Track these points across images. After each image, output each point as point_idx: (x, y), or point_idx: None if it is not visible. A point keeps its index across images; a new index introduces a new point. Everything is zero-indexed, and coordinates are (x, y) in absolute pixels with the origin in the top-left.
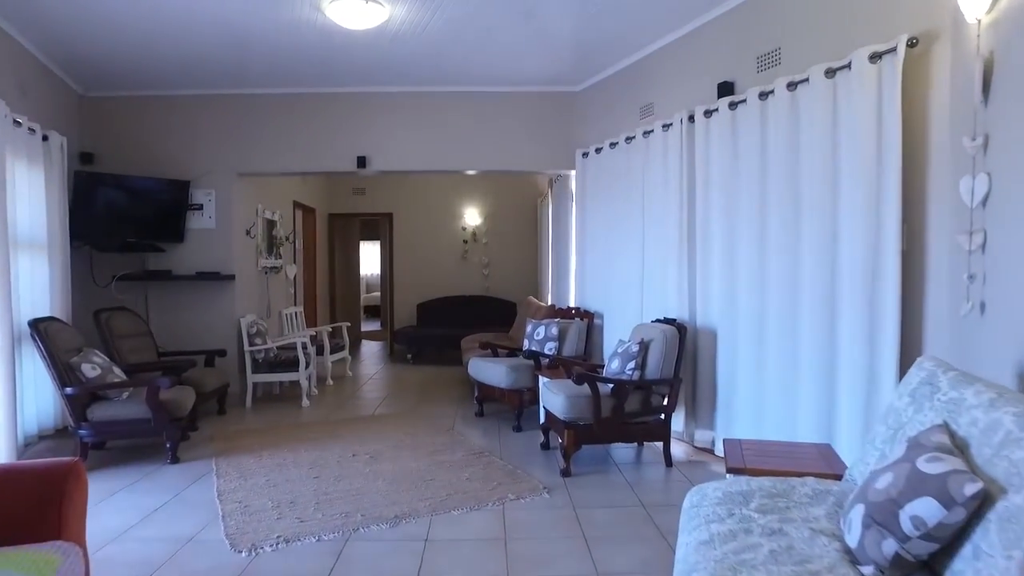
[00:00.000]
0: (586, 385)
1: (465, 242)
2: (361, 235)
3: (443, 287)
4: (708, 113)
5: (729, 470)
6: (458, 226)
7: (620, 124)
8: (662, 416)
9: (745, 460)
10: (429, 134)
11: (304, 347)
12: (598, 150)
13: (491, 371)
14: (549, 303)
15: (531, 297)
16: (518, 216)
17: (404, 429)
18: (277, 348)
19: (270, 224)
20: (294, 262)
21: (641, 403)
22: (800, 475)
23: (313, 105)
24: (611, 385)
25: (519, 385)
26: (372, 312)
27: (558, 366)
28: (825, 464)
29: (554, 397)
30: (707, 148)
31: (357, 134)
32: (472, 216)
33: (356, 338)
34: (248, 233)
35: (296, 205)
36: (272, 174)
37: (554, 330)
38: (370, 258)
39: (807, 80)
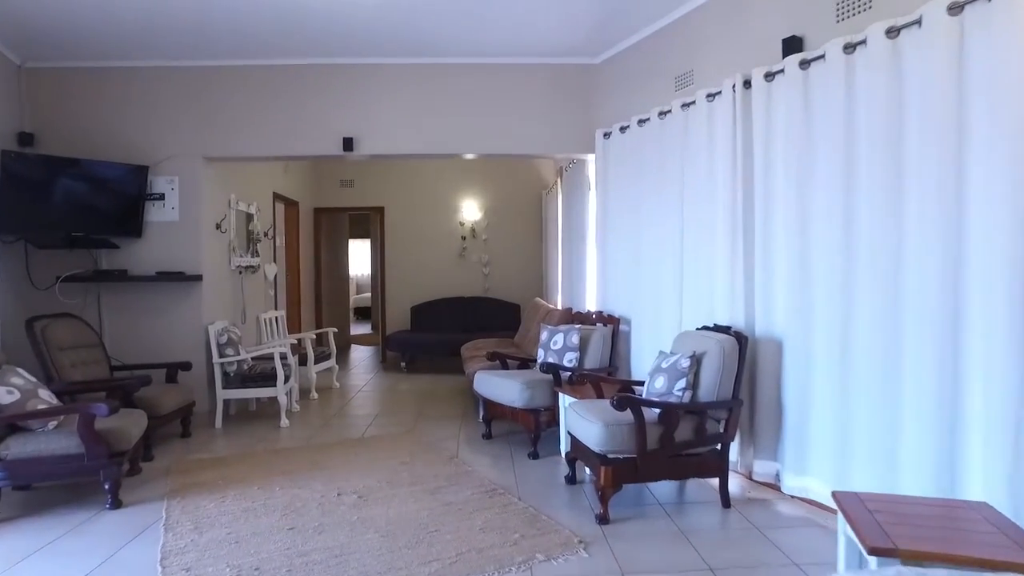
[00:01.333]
0: (628, 410)
1: (463, 238)
2: (350, 232)
3: (439, 288)
4: (770, 76)
5: (873, 551)
6: (455, 221)
7: (650, 97)
8: (718, 446)
9: (892, 536)
10: (425, 113)
11: (283, 358)
12: (623, 129)
13: (502, 388)
14: (560, 305)
15: (538, 299)
16: (521, 210)
17: (399, 456)
18: (252, 359)
19: (246, 218)
20: (274, 261)
21: (694, 431)
22: (991, 566)
23: (292, 79)
24: (658, 410)
25: (536, 404)
26: (362, 314)
27: (583, 382)
28: (1012, 544)
29: (586, 425)
30: (768, 119)
31: (343, 112)
32: (471, 210)
33: (345, 343)
34: (219, 227)
35: (276, 197)
36: (246, 159)
37: (575, 338)
38: (360, 257)
39: (917, 23)
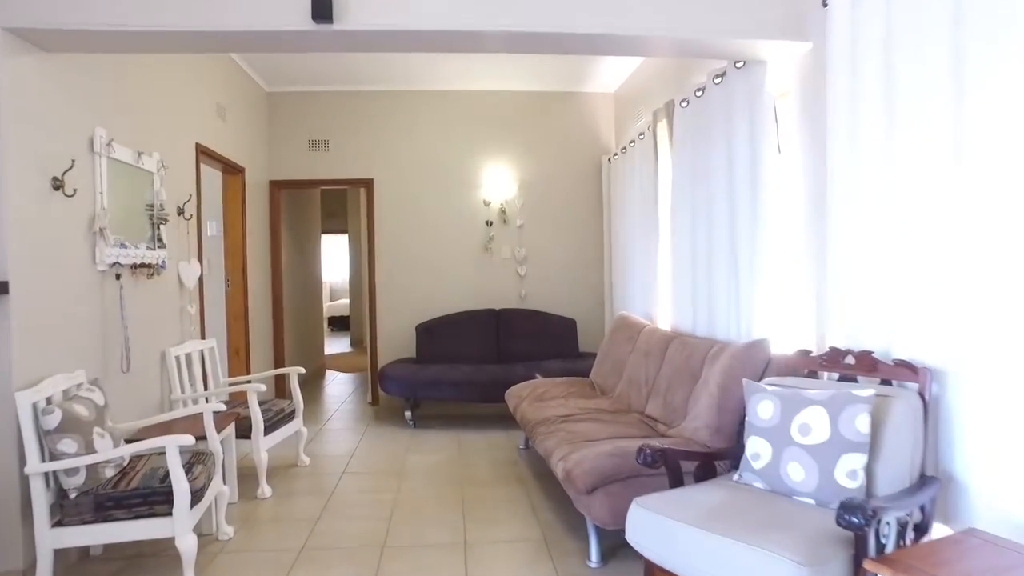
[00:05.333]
0: None
1: (489, 224)
2: (321, 224)
3: (456, 297)
4: None
5: None
6: (478, 200)
7: None
8: None
9: None
10: None
11: (194, 464)
12: None
13: (732, 565)
14: (672, 323)
15: (626, 313)
16: (572, 183)
17: None
18: (127, 459)
19: (137, 177)
20: (198, 257)
21: None
22: None
23: None
24: None
25: None
26: (338, 324)
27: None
28: None
29: None
30: None
31: None
32: (500, 184)
33: (318, 370)
34: (58, 186)
35: (204, 155)
36: (100, 32)
37: (859, 420)
38: (332, 256)
39: None
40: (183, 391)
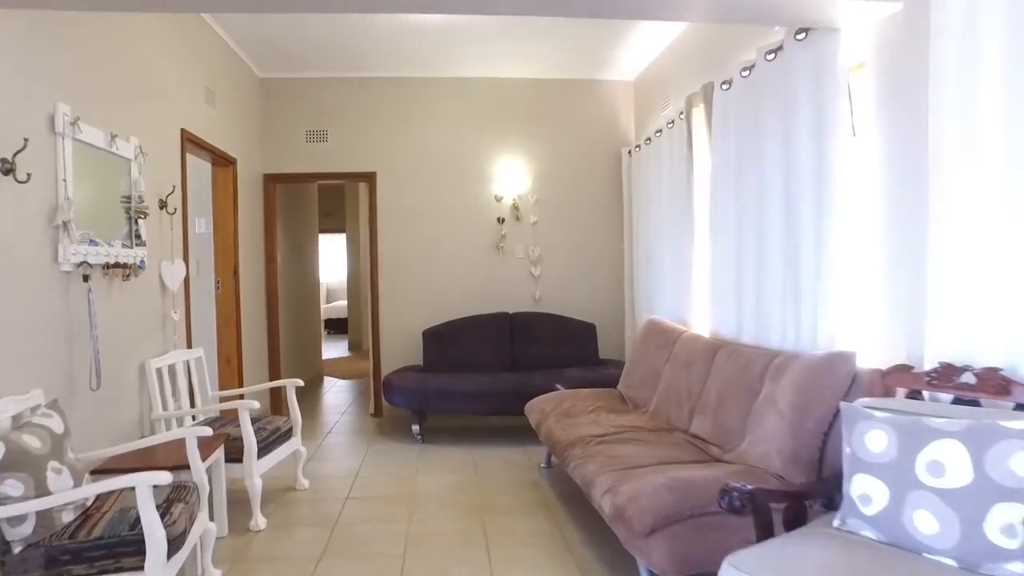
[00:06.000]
0: None
1: (501, 221)
2: (319, 225)
3: (465, 300)
4: None
5: None
6: (489, 195)
7: None
8: None
9: None
10: None
11: (173, 501)
12: None
13: None
14: (711, 328)
15: (658, 318)
16: (590, 177)
17: None
18: (91, 501)
19: (111, 164)
20: (184, 258)
21: None
22: None
23: None
24: None
25: None
26: (335, 327)
27: None
28: None
29: None
30: None
31: None
32: (513, 178)
33: (315, 376)
34: (8, 170)
35: (188, 141)
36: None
37: (1011, 455)
38: (329, 256)
39: None
40: (165, 408)
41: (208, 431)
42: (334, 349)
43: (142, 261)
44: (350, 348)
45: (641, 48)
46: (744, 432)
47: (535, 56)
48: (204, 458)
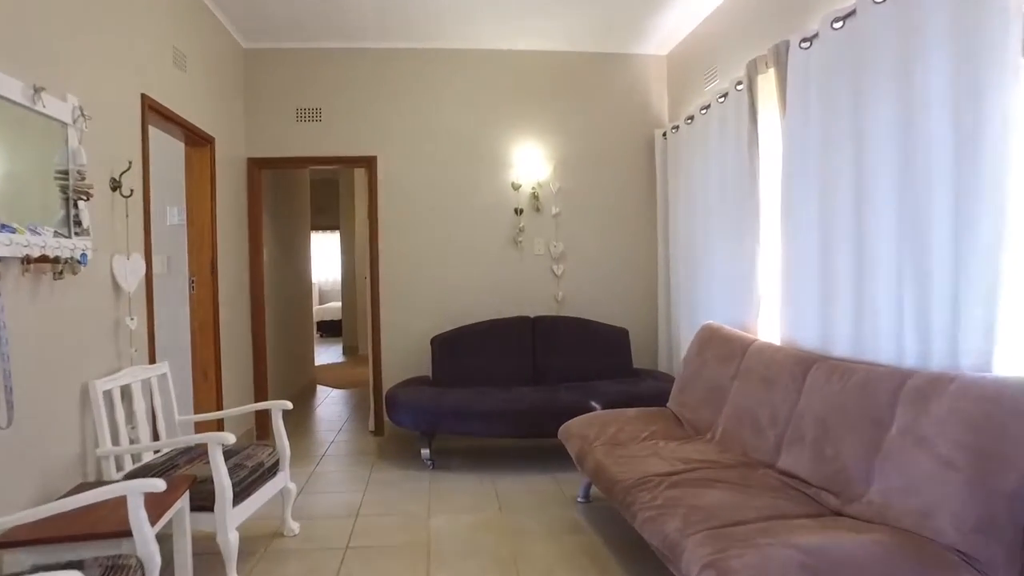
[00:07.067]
0: None
1: (518, 212)
2: (311, 222)
3: (479, 302)
4: None
5: None
6: (505, 183)
7: None
8: None
9: None
10: None
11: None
12: None
13: None
14: (790, 336)
15: (715, 324)
16: (618, 163)
17: None
18: None
19: (30, 125)
20: (146, 252)
21: None
22: None
23: None
24: None
25: None
26: (328, 330)
27: None
28: None
29: None
30: None
31: None
32: (532, 165)
33: (308, 387)
34: None
35: (152, 110)
36: None
37: None
38: (321, 254)
39: None
40: (117, 442)
41: (158, 486)
42: (327, 354)
43: (83, 255)
44: (344, 353)
45: (676, 17)
46: (870, 476)
47: (556, 27)
48: (159, 516)
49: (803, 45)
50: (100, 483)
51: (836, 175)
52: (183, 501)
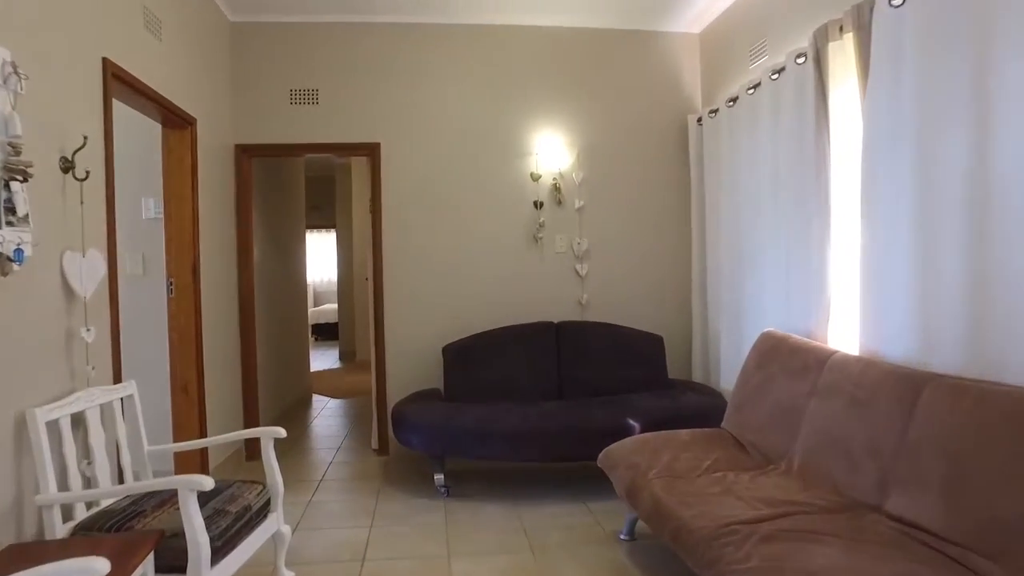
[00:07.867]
0: None
1: (538, 206)
2: (306, 220)
3: (493, 307)
4: None
5: None
6: (523, 173)
7: None
8: None
9: None
10: None
11: None
12: None
13: None
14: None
15: (777, 332)
16: (646, 151)
17: None
18: None
19: None
20: (106, 249)
21: None
22: None
23: None
24: None
25: None
26: (324, 332)
27: None
28: None
29: None
30: None
31: None
32: (552, 153)
33: (303, 397)
34: None
35: (116, 79)
36: None
37: None
38: (316, 254)
39: None
40: (64, 486)
41: (104, 567)
42: (323, 359)
43: (18, 250)
44: (341, 358)
45: None
46: None
47: (579, 1)
48: None
49: (895, 2)
50: (38, 542)
51: (942, 160)
52: (147, 565)
